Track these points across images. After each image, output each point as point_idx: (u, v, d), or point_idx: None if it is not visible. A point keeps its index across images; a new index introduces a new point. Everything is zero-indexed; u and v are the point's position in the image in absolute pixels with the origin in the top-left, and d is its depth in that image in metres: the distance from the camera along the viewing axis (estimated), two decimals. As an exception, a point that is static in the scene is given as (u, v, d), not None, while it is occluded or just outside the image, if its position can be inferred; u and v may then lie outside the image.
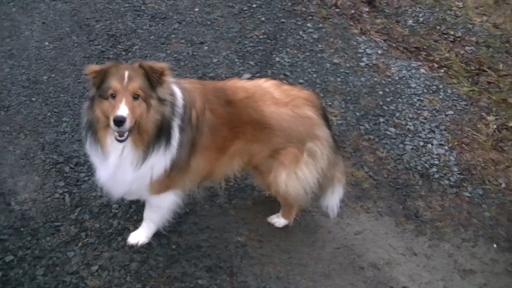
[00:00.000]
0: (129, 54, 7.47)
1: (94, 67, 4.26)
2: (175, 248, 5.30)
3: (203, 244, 5.35)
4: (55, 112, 6.63)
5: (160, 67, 4.19)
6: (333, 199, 5.23)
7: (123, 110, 4.03)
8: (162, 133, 4.31)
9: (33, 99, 6.81)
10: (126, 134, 4.15)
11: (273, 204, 5.53)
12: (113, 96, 4.13)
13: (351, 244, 5.47)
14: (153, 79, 4.17)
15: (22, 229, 5.43)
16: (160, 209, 5.02)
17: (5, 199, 5.68)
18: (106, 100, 4.17)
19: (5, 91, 6.92)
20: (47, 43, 7.68)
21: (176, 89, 4.45)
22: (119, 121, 4.01)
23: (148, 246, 5.27)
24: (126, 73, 4.12)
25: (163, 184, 4.69)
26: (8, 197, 5.70)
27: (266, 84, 4.82)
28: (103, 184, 4.69)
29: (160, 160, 4.43)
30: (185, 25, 8.06)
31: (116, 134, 4.16)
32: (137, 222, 5.39)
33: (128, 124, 4.05)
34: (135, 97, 4.13)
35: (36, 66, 7.30)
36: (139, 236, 5.27)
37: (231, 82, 4.93)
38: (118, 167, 4.42)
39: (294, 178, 4.80)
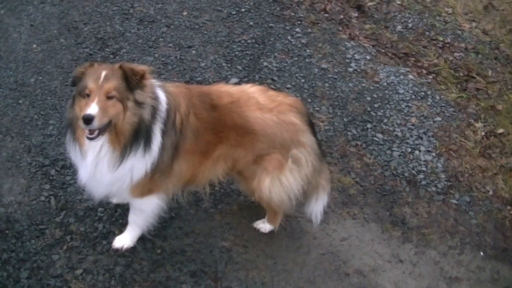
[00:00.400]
0: (117, 57, 7.45)
1: (81, 68, 4.30)
2: (160, 252, 5.27)
3: (188, 249, 5.32)
4: (42, 114, 6.60)
5: (140, 70, 4.17)
6: (317, 206, 5.20)
7: (92, 108, 4.03)
8: (139, 135, 4.29)
9: (20, 101, 6.77)
10: (96, 133, 4.14)
11: (258, 209, 5.52)
12: (88, 95, 4.14)
13: (336, 250, 5.46)
14: (131, 81, 4.15)
15: (6, 231, 5.40)
16: (143, 213, 5.01)
17: (-10, 202, 5.66)
18: (84, 99, 4.18)
19: (-9, 93, 6.90)
20: (35, 45, 7.65)
21: (160, 93, 4.44)
22: (87, 119, 4.01)
23: (133, 250, 5.25)
24: (103, 73, 4.13)
25: (145, 188, 4.69)
26: (-7, 200, 5.68)
27: (251, 90, 4.81)
28: (84, 184, 4.68)
29: (140, 163, 4.41)
30: (173, 29, 8.04)
31: (86, 132, 4.16)
32: (122, 226, 5.36)
33: (96, 123, 4.04)
34: (110, 97, 4.12)
35: (23, 68, 7.27)
36: (124, 240, 5.25)
37: (216, 87, 4.92)
38: (96, 167, 4.42)
39: (277, 184, 4.78)
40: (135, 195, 4.77)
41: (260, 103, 4.66)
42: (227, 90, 4.80)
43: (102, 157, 4.36)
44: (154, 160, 4.45)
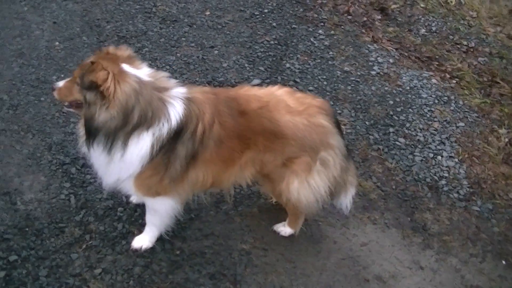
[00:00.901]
0: (139, 56, 7.39)
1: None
2: (179, 253, 5.26)
3: (207, 251, 5.30)
4: (63, 113, 6.60)
5: (95, 80, 4.07)
6: (346, 199, 5.18)
7: (60, 83, 4.48)
8: (93, 133, 4.31)
9: (42, 99, 6.78)
10: (66, 104, 4.51)
11: (279, 212, 5.49)
12: None
13: (356, 255, 5.42)
14: (80, 82, 4.19)
15: (26, 229, 5.41)
16: (157, 213, 5.00)
17: (11, 198, 5.66)
18: None
19: (14, 90, 6.89)
20: (57, 43, 7.66)
21: (179, 106, 4.39)
22: (52, 88, 4.56)
23: (151, 250, 5.24)
24: (86, 61, 4.28)
25: (151, 189, 4.69)
26: (14, 197, 5.68)
27: (279, 92, 4.75)
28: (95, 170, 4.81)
29: (116, 164, 4.45)
30: (196, 29, 8.03)
31: None
32: (141, 226, 5.34)
33: (56, 95, 4.52)
34: (77, 83, 4.23)
35: (45, 65, 7.28)
36: (142, 241, 5.24)
37: (243, 90, 4.83)
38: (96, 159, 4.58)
39: (306, 186, 4.74)
40: (142, 193, 4.80)
41: (290, 106, 4.60)
42: (255, 94, 4.73)
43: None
44: (139, 167, 4.43)
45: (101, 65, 4.07)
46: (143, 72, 4.32)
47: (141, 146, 4.31)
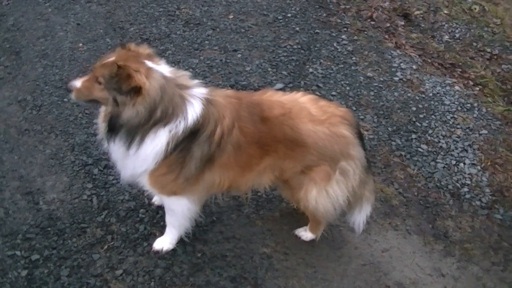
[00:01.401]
0: (162, 58, 7.43)
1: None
2: (200, 256, 5.27)
3: (228, 254, 5.31)
4: (86, 113, 6.64)
5: (136, 84, 4.09)
6: (360, 217, 5.17)
7: (76, 82, 4.38)
8: (115, 129, 4.34)
9: (65, 99, 6.82)
10: (73, 97, 4.51)
11: (300, 217, 5.49)
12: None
13: (377, 261, 5.41)
14: (116, 85, 4.16)
15: (49, 228, 5.45)
16: (174, 213, 5.01)
17: (34, 198, 5.70)
18: None
19: (37, 90, 6.95)
20: (81, 44, 7.71)
21: (197, 105, 4.40)
22: (67, 89, 4.51)
23: (173, 252, 5.26)
24: (106, 58, 4.24)
25: (166, 187, 4.71)
26: (37, 196, 5.73)
27: (303, 99, 4.72)
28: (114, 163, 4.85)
29: (132, 158, 4.47)
30: (219, 32, 8.05)
31: None
32: (163, 228, 5.35)
33: (73, 96, 4.46)
34: (98, 81, 4.22)
35: (69, 67, 7.33)
36: (164, 242, 5.27)
37: (267, 95, 4.79)
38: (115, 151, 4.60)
39: (324, 195, 4.74)
40: (156, 191, 4.83)
41: (312, 114, 4.58)
42: (279, 100, 4.69)
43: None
44: (155, 162, 4.45)
45: (131, 68, 4.09)
46: (164, 69, 4.35)
47: (156, 142, 4.33)
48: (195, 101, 4.38)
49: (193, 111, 4.35)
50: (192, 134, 4.37)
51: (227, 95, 4.70)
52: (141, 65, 4.15)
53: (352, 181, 4.76)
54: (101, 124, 4.52)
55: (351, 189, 4.79)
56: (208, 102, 4.45)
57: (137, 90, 4.07)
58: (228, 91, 4.86)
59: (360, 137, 4.82)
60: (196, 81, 4.56)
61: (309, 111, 4.59)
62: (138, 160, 4.45)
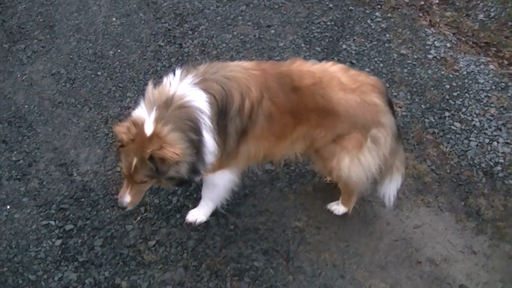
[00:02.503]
0: (196, 33, 7.48)
1: (118, 129, 4.30)
2: (233, 229, 5.33)
3: (261, 227, 5.36)
4: (119, 87, 6.69)
5: (172, 160, 4.15)
6: (390, 188, 5.18)
7: (125, 198, 4.47)
8: (183, 181, 4.53)
9: (99, 73, 6.88)
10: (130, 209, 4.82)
11: (333, 191, 5.52)
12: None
13: (409, 237, 5.41)
14: (163, 170, 4.21)
15: (82, 199, 5.53)
16: (216, 187, 5.04)
17: (68, 170, 5.77)
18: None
19: (71, 64, 7.01)
20: (114, 19, 7.76)
21: (199, 94, 4.38)
22: (121, 207, 4.60)
23: (206, 225, 5.32)
24: (134, 162, 4.21)
25: (214, 166, 4.71)
26: (71, 168, 5.80)
27: (333, 68, 4.72)
28: None
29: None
30: (253, 8, 8.03)
31: None
32: (196, 200, 5.41)
33: (129, 208, 4.66)
34: (143, 181, 4.39)
35: (102, 41, 7.38)
36: (197, 214, 5.32)
37: (296, 65, 4.77)
38: None
39: (357, 163, 4.76)
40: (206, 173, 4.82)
41: (343, 83, 4.58)
42: (308, 70, 4.69)
43: None
44: (214, 153, 4.51)
45: (156, 151, 4.13)
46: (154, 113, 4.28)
47: (212, 143, 4.42)
48: (194, 93, 4.37)
49: (201, 100, 4.36)
50: (222, 114, 4.41)
51: (244, 68, 4.68)
52: (156, 142, 4.18)
53: (384, 149, 4.77)
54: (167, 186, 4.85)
55: (383, 157, 4.81)
56: (215, 83, 4.44)
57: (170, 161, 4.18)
58: (244, 63, 4.81)
59: (391, 105, 4.83)
60: (183, 74, 4.51)
61: (339, 80, 4.60)
62: (205, 167, 4.58)
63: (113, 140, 6.03)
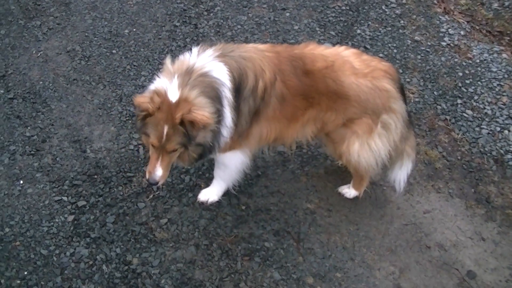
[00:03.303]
0: (211, 14, 7.49)
1: (139, 99, 4.22)
2: (244, 209, 5.37)
3: (272, 208, 5.40)
4: (134, 65, 6.72)
5: (202, 123, 4.12)
6: (401, 173, 5.21)
7: (156, 172, 4.37)
8: (205, 152, 4.54)
9: (114, 51, 6.91)
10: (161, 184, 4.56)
11: (344, 174, 5.55)
12: (153, 145, 4.31)
13: (419, 222, 5.45)
14: (193, 135, 4.19)
15: (95, 176, 5.57)
16: (227, 168, 5.07)
17: (81, 146, 5.81)
18: (149, 138, 4.30)
19: (86, 41, 7.03)
20: (130, -3, 7.77)
21: (220, 67, 4.40)
22: (151, 184, 4.43)
23: (217, 204, 5.37)
24: (165, 131, 4.16)
25: (226, 146, 4.73)
26: (84, 145, 5.84)
27: (346, 53, 4.76)
28: None
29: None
30: (268, -10, 8.04)
31: None
32: (208, 179, 5.45)
33: (160, 183, 4.48)
34: (174, 150, 4.31)
35: (118, 19, 7.39)
36: (209, 194, 5.36)
37: (309, 49, 4.80)
38: None
39: (366, 148, 4.80)
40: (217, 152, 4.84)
41: (355, 67, 4.62)
42: (321, 53, 4.72)
43: None
44: (230, 128, 4.52)
45: (186, 115, 4.12)
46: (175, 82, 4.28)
47: (227, 114, 4.42)
48: (215, 65, 4.40)
49: (222, 72, 4.38)
50: (237, 92, 4.43)
51: (259, 49, 4.71)
52: (184, 107, 4.16)
53: (394, 134, 4.81)
54: (182, 163, 4.70)
55: (393, 143, 4.85)
56: (233, 60, 4.47)
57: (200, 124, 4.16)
58: (259, 45, 4.85)
59: (402, 91, 4.86)
60: (201, 49, 4.53)
61: (352, 64, 4.63)
62: (220, 145, 4.60)
63: (128, 117, 6.07)
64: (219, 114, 4.31)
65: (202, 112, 4.11)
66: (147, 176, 4.40)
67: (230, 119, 4.43)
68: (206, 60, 4.38)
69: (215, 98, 4.29)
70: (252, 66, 4.49)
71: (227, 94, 4.36)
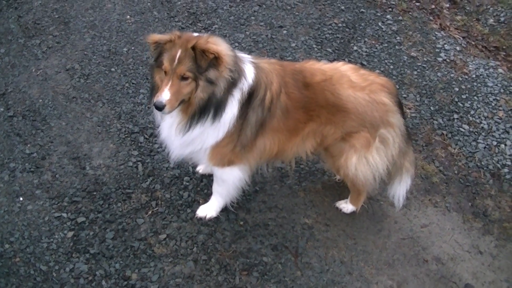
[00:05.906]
0: (209, 32, 7.53)
1: (154, 37, 4.30)
2: (243, 224, 5.39)
3: (270, 223, 5.42)
4: (133, 83, 6.76)
5: (213, 51, 4.12)
6: (400, 189, 5.22)
7: (164, 95, 4.18)
8: (208, 108, 4.36)
9: (113, 69, 6.95)
10: (167, 111, 4.26)
11: (342, 189, 5.59)
12: (165, 72, 4.25)
13: (416, 236, 5.48)
14: (201, 64, 4.16)
15: (94, 193, 5.58)
16: (225, 183, 5.09)
17: (80, 163, 5.84)
18: (161, 70, 4.29)
19: (86, 60, 7.08)
20: (128, 16, 7.82)
21: (249, 68, 4.50)
22: (158, 107, 4.20)
23: (216, 220, 5.38)
24: (178, 54, 4.15)
25: (225, 158, 4.77)
26: (83, 161, 5.86)
27: (344, 68, 4.81)
28: (162, 142, 4.88)
29: (209, 131, 4.52)
30: (265, 8, 8.10)
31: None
32: (207, 195, 5.48)
33: (167, 110, 4.24)
34: (184, 77, 4.20)
35: (116, 38, 7.44)
36: (207, 210, 5.39)
37: (309, 64, 4.90)
38: (170, 130, 4.60)
39: (364, 162, 4.82)
40: (214, 163, 4.86)
41: (353, 81, 4.67)
42: (320, 68, 4.80)
43: (174, 122, 4.52)
44: (228, 129, 4.52)
45: (201, 44, 4.14)
46: None
47: (234, 104, 4.43)
48: (247, 65, 4.50)
49: (250, 72, 4.47)
50: (249, 98, 4.47)
51: (271, 62, 4.81)
52: (200, 38, 4.22)
53: (392, 149, 4.84)
54: (180, 114, 4.52)
55: (391, 157, 4.87)
56: (257, 67, 4.56)
57: (217, 59, 4.16)
58: (271, 59, 4.97)
59: (400, 106, 4.89)
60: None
61: (349, 78, 4.69)
62: (215, 131, 4.54)
63: (127, 134, 6.11)
64: (236, 81, 4.37)
65: (217, 46, 4.18)
66: (154, 100, 4.27)
67: (233, 116, 4.47)
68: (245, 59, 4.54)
69: (239, 71, 4.39)
70: (264, 78, 4.56)
71: (245, 86, 4.44)
